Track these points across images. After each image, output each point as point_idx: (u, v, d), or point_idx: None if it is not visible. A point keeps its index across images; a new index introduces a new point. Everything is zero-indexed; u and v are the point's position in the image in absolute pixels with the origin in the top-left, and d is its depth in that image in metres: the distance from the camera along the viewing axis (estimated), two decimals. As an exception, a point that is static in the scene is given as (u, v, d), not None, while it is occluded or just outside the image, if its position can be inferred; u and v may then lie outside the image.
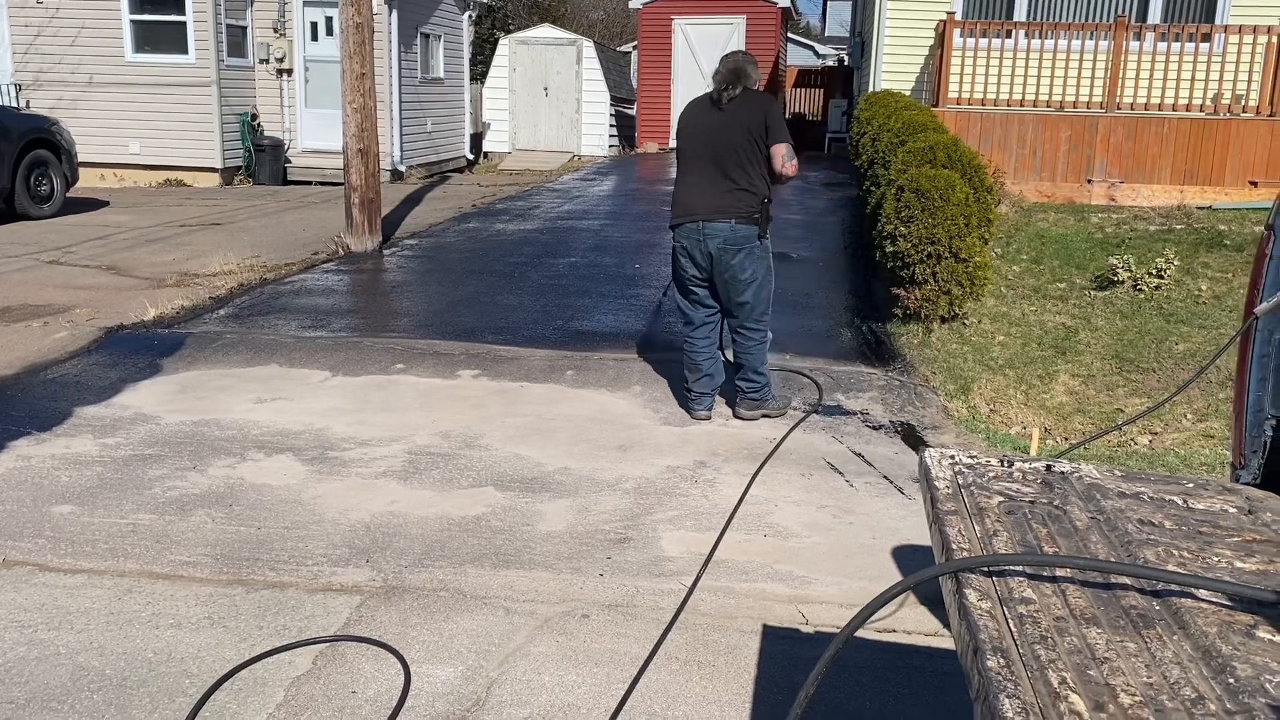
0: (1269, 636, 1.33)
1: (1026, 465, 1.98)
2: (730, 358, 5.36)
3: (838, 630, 3.30)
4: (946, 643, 3.27)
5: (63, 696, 2.90)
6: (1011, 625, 1.34)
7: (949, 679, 3.06)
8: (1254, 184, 12.88)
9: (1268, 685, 1.20)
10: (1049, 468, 1.97)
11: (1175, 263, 7.81)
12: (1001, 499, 1.80)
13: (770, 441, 4.98)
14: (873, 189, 8.63)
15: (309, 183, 15.95)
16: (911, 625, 3.35)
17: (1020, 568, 1.49)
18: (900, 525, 4.10)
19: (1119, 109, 13.07)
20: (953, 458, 2.00)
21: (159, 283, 8.24)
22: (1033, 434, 5.07)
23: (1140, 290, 7.66)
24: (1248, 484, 1.99)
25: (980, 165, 7.23)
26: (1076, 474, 1.94)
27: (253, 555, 3.76)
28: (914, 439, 5.12)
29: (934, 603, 3.48)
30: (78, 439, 4.83)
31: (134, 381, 5.67)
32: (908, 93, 13.88)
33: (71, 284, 8.09)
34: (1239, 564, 1.56)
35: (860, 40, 18.16)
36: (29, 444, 4.75)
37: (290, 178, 16.24)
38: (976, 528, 1.68)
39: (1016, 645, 1.29)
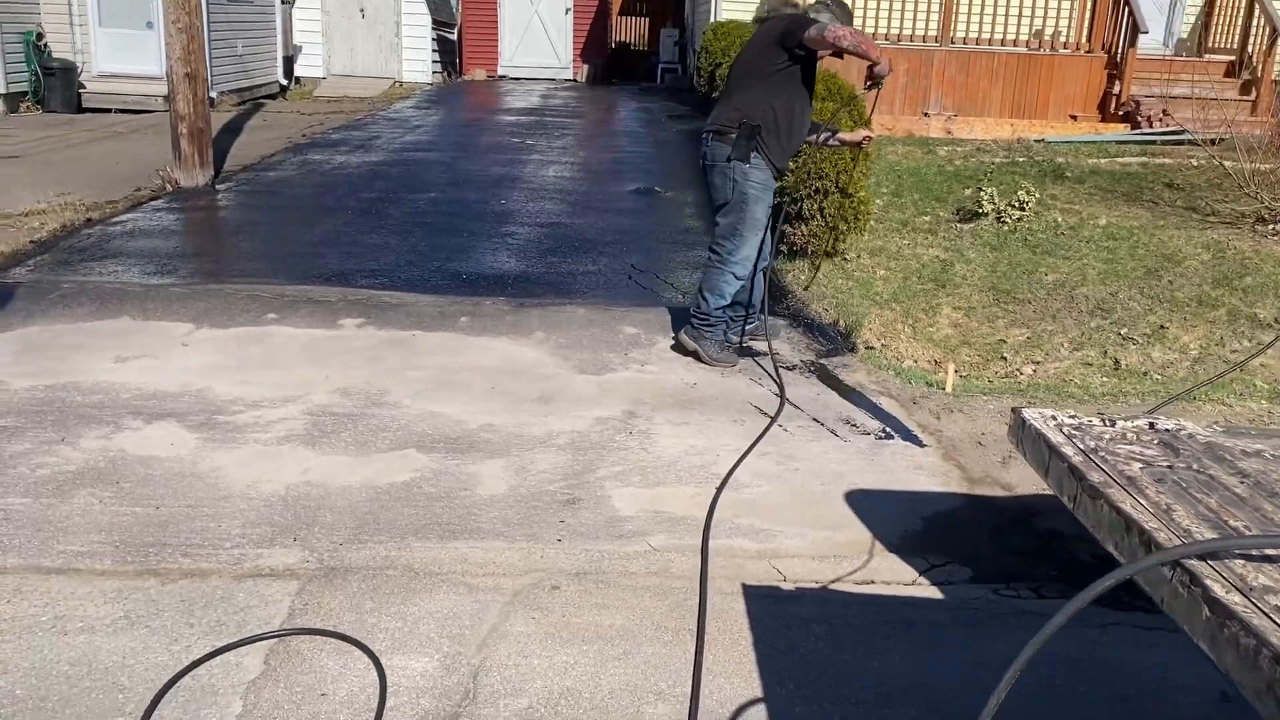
0: None
1: (1129, 424, 1.88)
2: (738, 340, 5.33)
3: (818, 585, 3.20)
4: (928, 592, 3.22)
5: (-31, 728, 2.45)
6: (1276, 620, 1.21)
7: (941, 631, 3.01)
8: (1074, 118, 13.54)
9: None
10: (1152, 425, 1.87)
11: (1036, 195, 8.07)
12: (1140, 464, 1.68)
13: (689, 386, 4.81)
14: (741, 121, 8.49)
15: (108, 110, 14.51)
16: (888, 575, 3.28)
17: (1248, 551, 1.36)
18: (844, 470, 4.03)
19: (953, 43, 13.42)
20: (1054, 418, 1.87)
21: (-40, 225, 7.27)
22: (947, 370, 5.11)
23: (1004, 222, 7.88)
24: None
25: (859, 98, 7.20)
26: (1184, 432, 1.84)
27: (158, 540, 3.31)
28: (829, 378, 5.07)
29: (904, 550, 3.43)
30: (-92, 412, 4.16)
31: (-38, 341, 4.95)
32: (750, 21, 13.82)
33: None
34: None
35: (695, -32, 17.92)
36: None
37: (86, 105, 14.72)
38: (1142, 500, 1.54)
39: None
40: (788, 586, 3.20)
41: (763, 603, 3.10)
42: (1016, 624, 3.03)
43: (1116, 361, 5.83)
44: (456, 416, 4.32)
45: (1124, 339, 6.17)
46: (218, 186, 8.92)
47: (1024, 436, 1.86)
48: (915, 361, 5.70)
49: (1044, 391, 5.10)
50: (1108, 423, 1.87)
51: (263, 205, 8.37)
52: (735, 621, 2.99)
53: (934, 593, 3.21)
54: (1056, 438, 1.78)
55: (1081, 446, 1.75)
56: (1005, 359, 5.89)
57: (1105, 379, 5.60)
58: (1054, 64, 13.44)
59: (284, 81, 18.80)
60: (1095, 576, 3.35)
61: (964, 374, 5.50)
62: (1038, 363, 5.96)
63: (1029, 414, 1.88)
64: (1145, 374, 5.70)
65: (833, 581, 3.22)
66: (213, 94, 15.15)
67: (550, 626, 2.92)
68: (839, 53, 4.69)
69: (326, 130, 12.61)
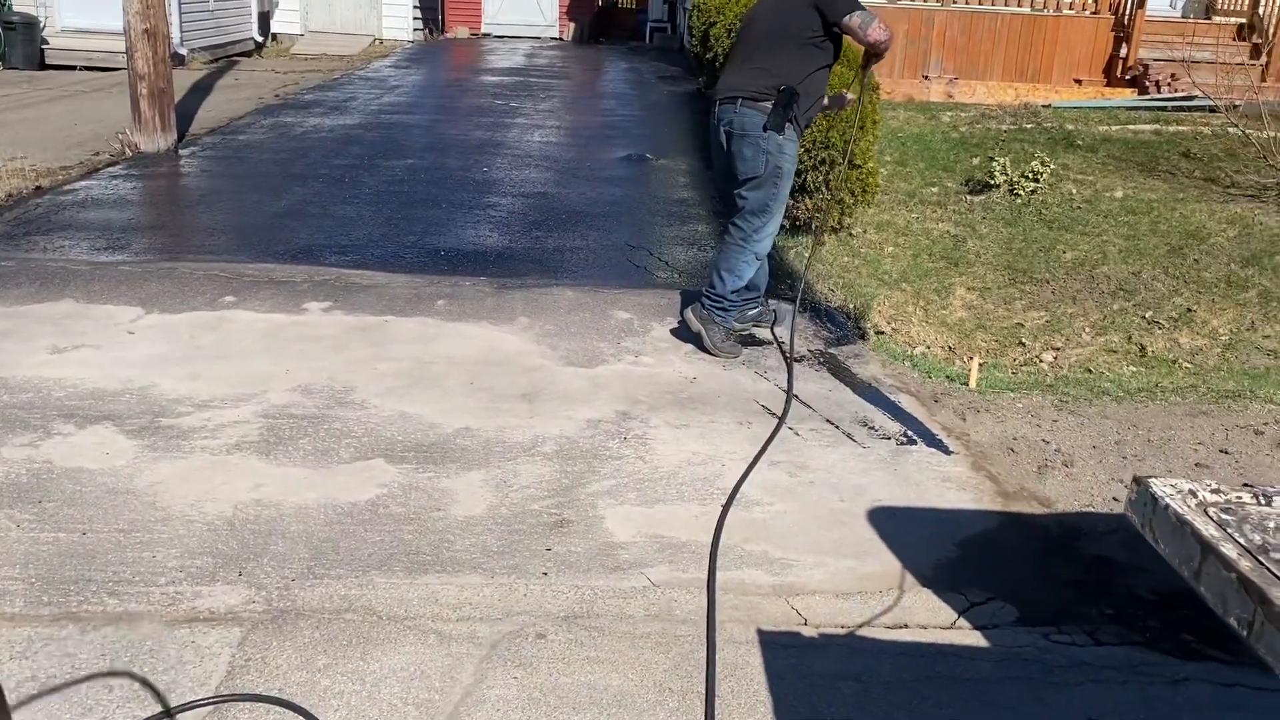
0: None
1: (1289, 502, 1.44)
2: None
3: (844, 630, 2.79)
4: (970, 638, 2.80)
5: None
6: None
7: (989, 689, 2.59)
8: (1078, 82, 13.06)
9: None
10: (1318, 505, 1.43)
11: (1050, 166, 7.62)
12: (1332, 576, 1.24)
13: (689, 381, 4.37)
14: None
15: (73, 67, 13.86)
16: (924, 617, 2.86)
17: None
18: (864, 482, 3.60)
19: (954, 2, 12.89)
20: (1194, 495, 1.43)
21: (-102, 192, 6.73)
22: (972, 366, 4.68)
23: (1017, 195, 7.43)
24: None
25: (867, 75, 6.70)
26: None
27: (82, 574, 2.86)
28: (840, 371, 4.63)
29: (938, 583, 3.01)
30: None
31: (-119, 329, 4.45)
32: (744, -20, 13.23)
33: None
34: None
35: (685, -78, 17.25)
36: None
37: (49, 61, 14.07)
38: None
39: None
40: (809, 632, 2.78)
41: (782, 654, 2.67)
42: (1074, 679, 2.62)
43: (1142, 348, 5.42)
44: (430, 419, 3.87)
45: (1149, 323, 5.76)
46: (181, 151, 8.38)
47: (1155, 519, 1.43)
48: (929, 348, 5.29)
49: (1074, 386, 4.68)
50: (1263, 500, 1.44)
51: (228, 172, 7.83)
52: (751, 680, 2.57)
53: (976, 639, 2.79)
54: (1207, 529, 1.34)
55: (1246, 544, 1.31)
56: (1024, 344, 5.48)
57: (1133, 368, 5.19)
58: (1059, 25, 12.94)
59: (259, 39, 18.09)
60: (1155, 617, 2.96)
61: (982, 361, 5.08)
62: (1058, 349, 5.55)
63: (1159, 487, 1.44)
64: (1175, 362, 5.29)
65: (860, 625, 2.80)
66: (182, 51, 14.52)
67: (535, 689, 2.49)
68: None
69: (301, 90, 12.01)
